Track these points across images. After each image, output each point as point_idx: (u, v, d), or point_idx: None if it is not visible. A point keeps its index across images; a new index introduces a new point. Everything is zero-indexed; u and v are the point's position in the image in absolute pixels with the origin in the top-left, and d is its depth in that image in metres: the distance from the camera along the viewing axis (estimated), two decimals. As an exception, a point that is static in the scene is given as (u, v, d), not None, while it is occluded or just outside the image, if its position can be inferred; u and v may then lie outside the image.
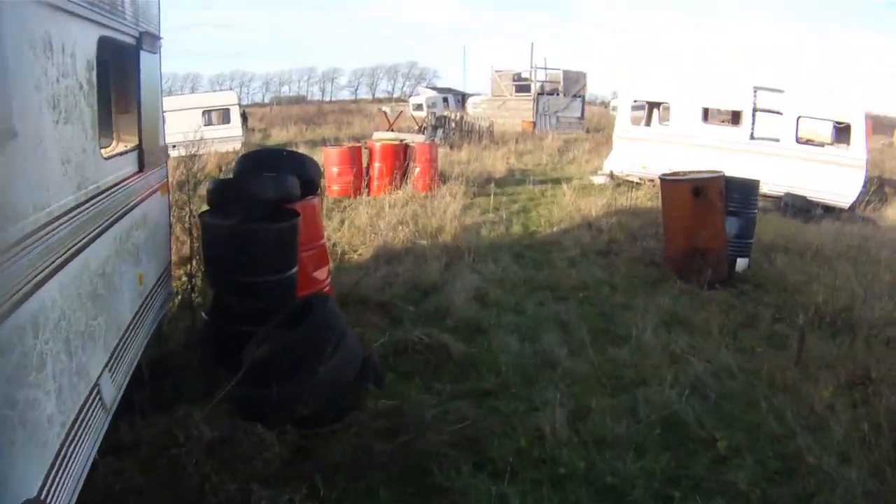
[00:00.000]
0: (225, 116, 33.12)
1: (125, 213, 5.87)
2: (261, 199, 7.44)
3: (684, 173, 12.67)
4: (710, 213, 11.50)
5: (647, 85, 24.66)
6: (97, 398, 4.66)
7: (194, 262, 8.93)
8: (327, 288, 8.69)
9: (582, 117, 55.60)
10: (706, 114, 23.33)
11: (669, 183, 12.21)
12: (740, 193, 12.15)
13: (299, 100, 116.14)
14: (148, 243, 6.79)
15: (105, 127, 6.14)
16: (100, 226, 5.01)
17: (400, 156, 20.51)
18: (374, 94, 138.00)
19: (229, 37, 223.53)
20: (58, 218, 4.07)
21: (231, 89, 43.48)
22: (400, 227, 13.96)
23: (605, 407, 6.64)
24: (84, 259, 4.56)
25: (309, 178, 8.49)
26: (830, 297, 9.71)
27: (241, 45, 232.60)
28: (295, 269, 7.41)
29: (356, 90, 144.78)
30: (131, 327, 5.88)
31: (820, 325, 9.08)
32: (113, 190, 5.49)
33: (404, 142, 22.16)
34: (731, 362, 7.75)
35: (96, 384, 4.67)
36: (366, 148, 21.14)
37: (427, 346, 7.77)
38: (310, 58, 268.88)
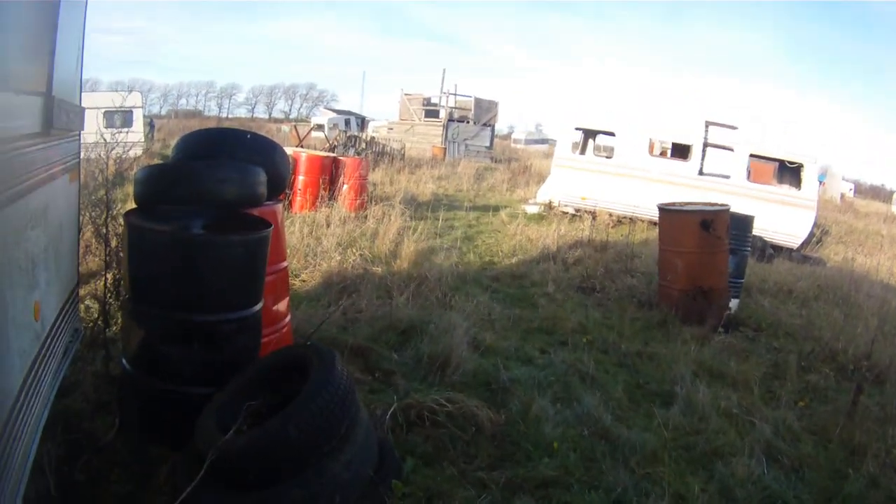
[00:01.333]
0: (128, 119, 30.29)
1: (13, 200, 3.49)
2: (218, 197, 5.36)
3: (681, 204, 12.01)
4: (718, 250, 10.68)
5: (591, 113, 23.66)
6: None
7: (108, 280, 6.80)
8: (286, 328, 6.68)
9: (491, 146, 56.02)
10: (652, 146, 22.89)
11: (672, 214, 11.26)
12: (738, 230, 11.48)
13: (196, 114, 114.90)
14: (48, 252, 4.44)
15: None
16: None
17: (328, 170, 18.42)
18: (270, 114, 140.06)
19: (127, 44, 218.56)
20: None
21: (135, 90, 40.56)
22: (349, 251, 12.47)
23: (695, 493, 5.57)
24: None
25: (278, 174, 6.28)
26: (849, 345, 9.63)
27: (139, 53, 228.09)
28: (261, 305, 5.35)
29: (253, 108, 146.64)
30: (23, 400, 3.59)
31: (850, 375, 8.81)
32: None
33: (332, 155, 20.24)
34: (791, 423, 7.22)
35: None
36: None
37: (448, 416, 6.10)
38: (207, 72, 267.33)
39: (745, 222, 11.74)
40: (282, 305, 6.53)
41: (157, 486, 4.67)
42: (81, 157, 5.94)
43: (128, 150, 7.91)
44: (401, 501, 4.85)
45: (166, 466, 4.77)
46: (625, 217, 20.68)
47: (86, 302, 7.29)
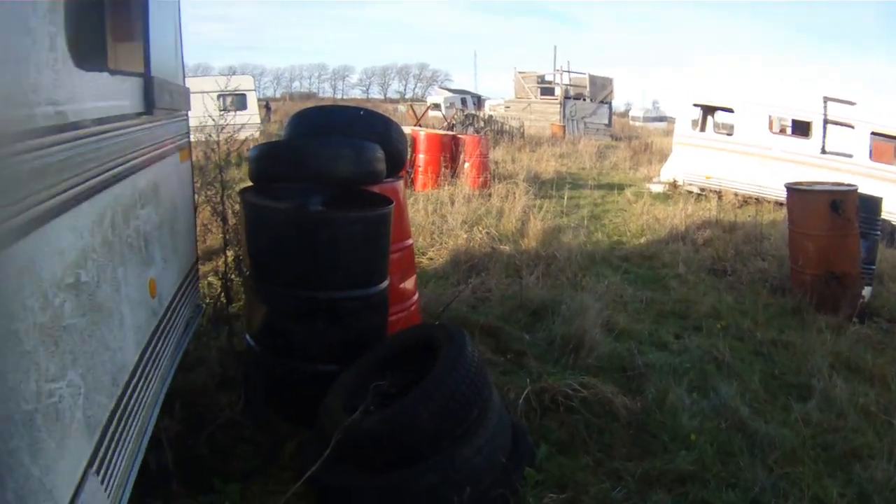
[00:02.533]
0: (241, 102, 30.39)
1: (120, 178, 3.47)
2: (333, 174, 5.26)
3: (808, 183, 11.26)
4: (849, 233, 9.98)
5: (709, 89, 22.63)
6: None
7: (228, 257, 6.94)
8: (414, 306, 6.56)
9: (609, 124, 54.61)
10: (771, 123, 21.50)
11: (801, 193, 10.57)
12: (867, 212, 10.59)
13: (310, 96, 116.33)
14: (163, 230, 4.44)
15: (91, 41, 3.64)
16: (65, 190, 2.66)
17: (448, 148, 18.22)
18: (385, 94, 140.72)
19: (238, 31, 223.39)
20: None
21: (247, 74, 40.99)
22: (476, 229, 12.21)
23: (833, 497, 5.13)
24: (23, 256, 2.29)
25: (395, 151, 6.10)
26: None
27: (250, 39, 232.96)
28: (387, 283, 5.25)
29: (367, 89, 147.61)
30: (140, 376, 3.58)
31: None
32: (98, 130, 3.14)
33: (451, 133, 20.01)
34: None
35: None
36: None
37: (583, 401, 5.82)
38: (317, 55, 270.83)
39: (874, 204, 10.97)
40: (409, 283, 6.42)
41: (283, 462, 4.62)
42: (192, 138, 5.93)
43: (239, 132, 7.84)
44: (533, 490, 4.62)
45: (293, 443, 4.73)
46: (750, 197, 19.82)
47: (208, 279, 7.34)
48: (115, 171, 3.37)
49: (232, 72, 45.57)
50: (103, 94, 3.28)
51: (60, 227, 2.54)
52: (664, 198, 20.05)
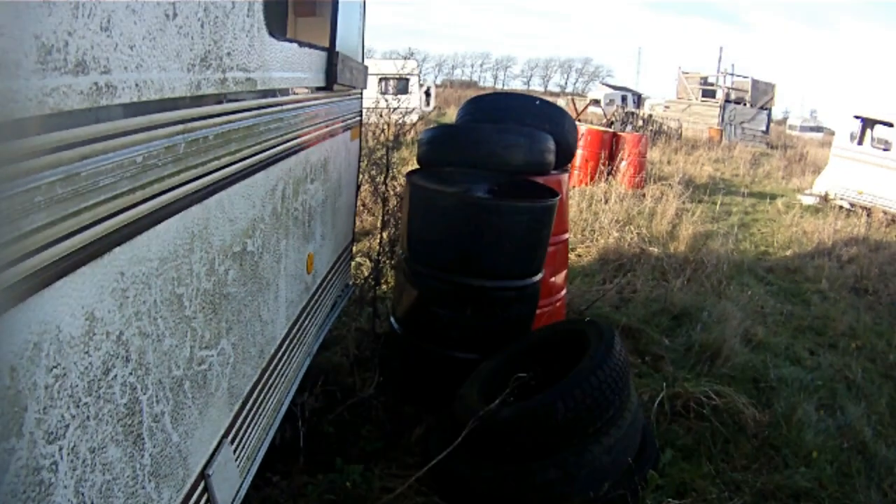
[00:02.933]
0: (403, 86, 30.71)
1: (295, 151, 3.49)
2: (505, 162, 5.25)
3: None
4: None
5: (870, 101, 21.62)
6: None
7: (384, 240, 6.88)
8: (561, 301, 6.48)
9: (767, 131, 52.92)
10: None
11: None
12: None
13: (471, 84, 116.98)
14: (325, 207, 4.47)
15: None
16: (245, 158, 2.68)
17: (608, 145, 17.97)
18: (546, 87, 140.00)
19: (405, 15, 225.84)
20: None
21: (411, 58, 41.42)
22: (627, 228, 12.16)
23: None
24: (199, 220, 2.29)
25: (566, 143, 6.05)
26: None
27: (416, 23, 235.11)
28: (541, 276, 5.18)
29: (528, 81, 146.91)
30: (284, 350, 3.61)
31: None
32: (281, 101, 3.16)
33: (611, 130, 19.69)
34: None
35: (200, 478, 2.49)
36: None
37: (713, 409, 5.85)
38: (481, 43, 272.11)
39: None
40: (559, 278, 6.35)
41: (408, 446, 4.64)
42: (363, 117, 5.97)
43: (404, 116, 7.90)
44: (653, 493, 4.62)
45: (420, 428, 4.74)
46: None
47: (357, 259, 7.36)
48: (293, 143, 3.39)
49: (397, 56, 45.97)
50: (290, 64, 3.29)
51: (235, 194, 2.54)
52: (814, 211, 19.51)
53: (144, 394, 1.95)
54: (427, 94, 36.09)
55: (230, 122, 2.40)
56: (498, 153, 5.17)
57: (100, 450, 1.72)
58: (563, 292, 6.55)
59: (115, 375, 1.77)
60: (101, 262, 1.64)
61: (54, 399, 1.49)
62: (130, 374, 1.85)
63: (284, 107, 3.18)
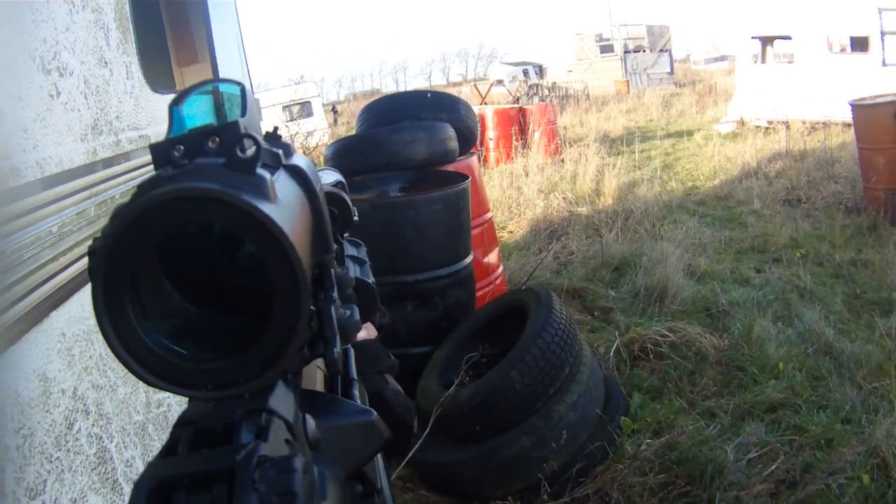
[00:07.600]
0: (307, 110, 31.05)
1: None
2: (409, 159, 5.44)
3: (871, 98, 10.92)
4: None
5: (764, 19, 22.08)
6: None
7: None
8: (500, 279, 6.66)
9: (672, 72, 53.96)
10: (831, 45, 20.78)
11: (865, 109, 10.42)
12: None
13: (375, 92, 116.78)
14: None
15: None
16: None
17: (516, 120, 18.07)
18: (448, 79, 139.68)
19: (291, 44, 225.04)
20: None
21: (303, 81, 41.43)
22: (552, 196, 12.30)
23: None
24: None
25: (465, 128, 6.19)
26: None
27: (304, 49, 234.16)
28: (471, 258, 5.38)
29: (430, 76, 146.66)
30: None
31: None
32: None
33: (517, 106, 19.98)
34: None
35: None
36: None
37: (671, 346, 5.98)
38: (377, 52, 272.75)
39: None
40: (492, 257, 6.50)
41: None
42: None
43: (306, 138, 7.99)
44: (630, 438, 4.72)
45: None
46: (818, 122, 19.19)
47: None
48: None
49: (293, 82, 46.03)
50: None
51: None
52: (733, 136, 19.83)
53: (111, 441, 2.05)
54: (334, 111, 36.11)
55: (133, 178, 2.49)
56: (400, 152, 5.31)
57: (81, 500, 1.84)
58: (500, 269, 6.68)
59: (79, 428, 1.89)
60: (42, 326, 1.77)
61: (27, 457, 1.61)
62: (93, 425, 1.96)
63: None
